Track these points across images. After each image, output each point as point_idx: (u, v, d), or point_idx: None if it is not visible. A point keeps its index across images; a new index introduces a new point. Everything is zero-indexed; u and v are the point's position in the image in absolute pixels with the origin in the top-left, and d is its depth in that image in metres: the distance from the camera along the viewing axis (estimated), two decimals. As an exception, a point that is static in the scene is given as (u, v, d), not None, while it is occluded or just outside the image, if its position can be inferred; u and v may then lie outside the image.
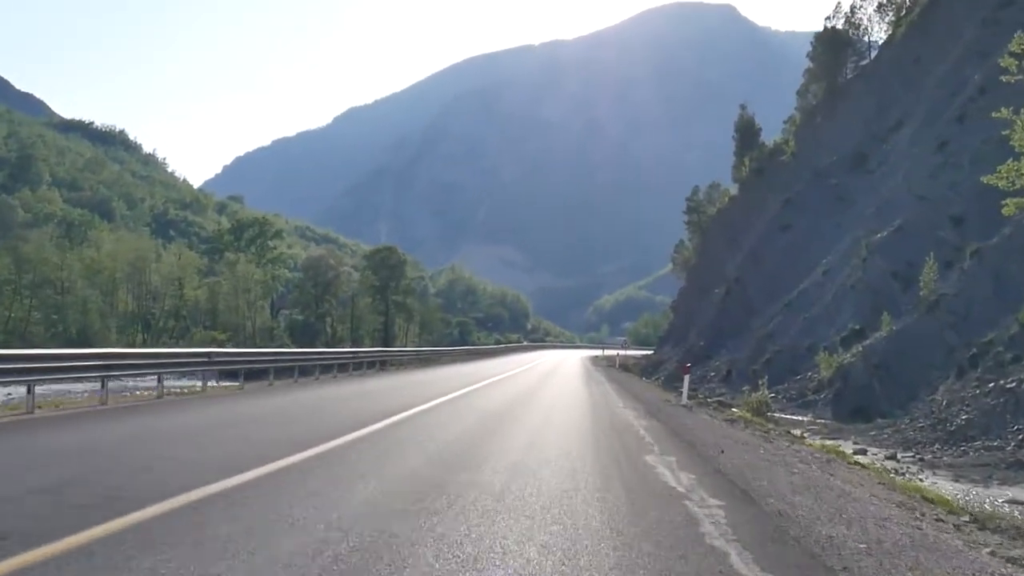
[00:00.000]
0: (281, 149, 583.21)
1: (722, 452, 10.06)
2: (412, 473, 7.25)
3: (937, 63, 40.86)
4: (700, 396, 28.11)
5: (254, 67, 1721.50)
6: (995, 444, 17.66)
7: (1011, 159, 21.18)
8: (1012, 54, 21.87)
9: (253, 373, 20.32)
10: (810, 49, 62.61)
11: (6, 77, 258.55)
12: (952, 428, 19.05)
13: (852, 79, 55.88)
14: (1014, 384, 18.89)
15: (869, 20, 58.31)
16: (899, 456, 17.78)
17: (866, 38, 58.82)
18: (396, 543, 4.73)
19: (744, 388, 30.62)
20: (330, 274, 77.24)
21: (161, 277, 69.92)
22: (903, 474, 15.36)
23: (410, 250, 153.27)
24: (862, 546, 5.37)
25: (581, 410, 16.19)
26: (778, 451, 11.20)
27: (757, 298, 44.19)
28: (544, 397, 20.26)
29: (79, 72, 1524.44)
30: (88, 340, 53.85)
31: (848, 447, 18.28)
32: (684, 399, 21.28)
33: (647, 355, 71.57)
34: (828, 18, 61.28)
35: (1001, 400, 19.06)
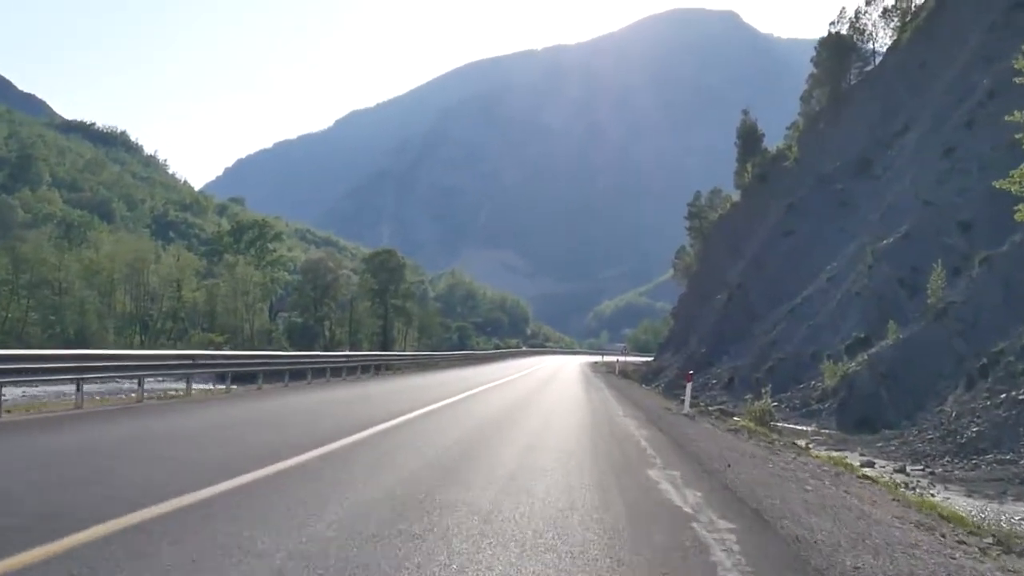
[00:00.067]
0: (282, 152, 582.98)
1: (728, 466, 9.49)
2: (393, 489, 6.61)
3: (943, 68, 40.37)
4: (701, 404, 27.54)
5: (255, 69, 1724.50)
6: (1008, 458, 17.07)
7: (1023, 163, 20.63)
8: (1025, 55, 21.32)
9: (243, 376, 19.77)
10: (813, 55, 62.18)
11: (8, 77, 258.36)
12: (962, 440, 18.46)
13: (856, 84, 55.43)
14: (1028, 395, 18.34)
15: (874, 25, 57.98)
16: (908, 469, 17.20)
17: (871, 44, 58.44)
18: (364, 576, 4.15)
19: (747, 396, 30.04)
20: (329, 277, 76.73)
21: (159, 278, 69.63)
22: (914, 488, 14.79)
23: (411, 254, 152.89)
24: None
25: (580, 418, 15.61)
26: (786, 465, 10.61)
27: (760, 304, 43.60)
28: (542, 403, 19.70)
29: (80, 73, 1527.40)
30: (85, 341, 53.59)
31: (855, 459, 17.71)
32: (686, 408, 20.68)
33: (647, 362, 70.99)
34: (833, 23, 60.86)
35: (1013, 412, 18.47)
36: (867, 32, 58.39)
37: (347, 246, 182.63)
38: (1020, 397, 18.68)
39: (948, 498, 14.04)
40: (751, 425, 19.89)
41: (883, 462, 18.32)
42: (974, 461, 17.31)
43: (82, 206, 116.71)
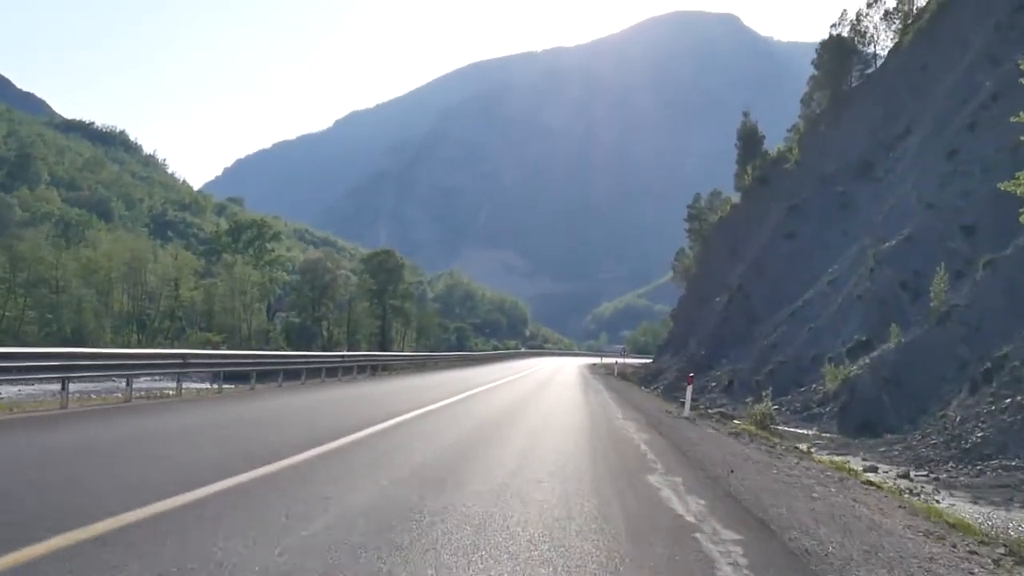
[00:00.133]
0: (282, 152, 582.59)
1: (731, 472, 9.18)
2: (381, 495, 6.30)
3: (946, 70, 40.13)
4: (701, 407, 27.26)
5: (255, 69, 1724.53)
6: (1013, 464, 16.79)
7: (1029, 165, 20.37)
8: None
9: (238, 376, 19.46)
10: (814, 58, 61.96)
11: (7, 76, 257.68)
12: (967, 446, 18.18)
13: (857, 87, 55.20)
14: (1034, 400, 18.06)
15: (875, 28, 57.74)
16: (912, 475, 16.93)
17: (872, 47, 58.22)
18: (346, 592, 3.84)
19: (747, 399, 29.76)
20: (327, 277, 76.44)
21: (157, 278, 69.46)
22: (918, 494, 14.53)
23: (410, 254, 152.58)
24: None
25: (578, 421, 15.30)
26: (790, 471, 10.32)
27: (760, 307, 43.33)
28: (540, 405, 19.39)
29: (80, 72, 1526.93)
30: (82, 340, 53.52)
31: (857, 464, 17.44)
32: (686, 411, 20.38)
33: (646, 364, 70.74)
34: (834, 25, 60.70)
35: (1018, 417, 18.19)
36: (868, 34, 58.24)
37: (346, 246, 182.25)
38: (1025, 402, 18.42)
39: (954, 504, 13.77)
40: (752, 429, 19.61)
41: (886, 467, 18.05)
42: (979, 467, 17.03)
43: (80, 205, 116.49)
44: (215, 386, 16.95)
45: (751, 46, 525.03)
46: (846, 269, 35.83)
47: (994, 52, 35.98)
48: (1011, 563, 7.31)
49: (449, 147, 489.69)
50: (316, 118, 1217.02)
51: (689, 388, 22.18)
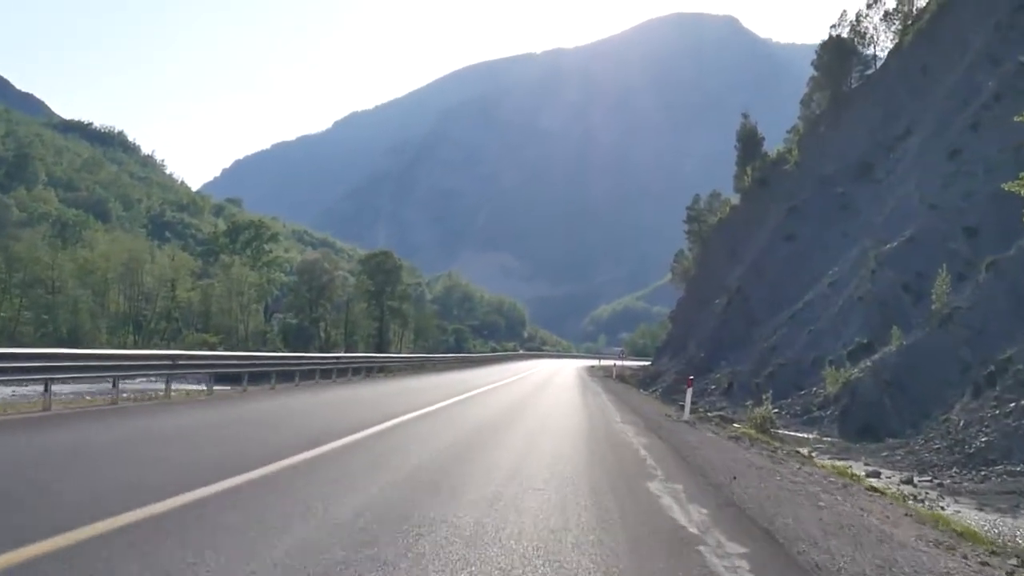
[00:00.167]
0: (281, 153, 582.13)
1: (734, 478, 8.88)
2: (368, 504, 5.97)
3: (946, 71, 39.90)
4: (700, 410, 26.94)
5: (254, 70, 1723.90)
6: (1018, 469, 16.50)
7: (1034, 165, 20.10)
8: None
9: (231, 378, 19.13)
10: (813, 59, 61.77)
11: (7, 77, 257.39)
12: (971, 451, 17.89)
13: (857, 88, 55.00)
14: (1039, 404, 17.78)
15: (875, 28, 57.53)
16: (916, 480, 16.64)
17: (872, 48, 58.02)
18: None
19: (747, 402, 29.48)
20: (325, 278, 76.10)
21: (154, 278, 69.15)
22: (922, 501, 14.25)
23: (409, 256, 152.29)
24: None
25: (576, 424, 14.99)
26: (794, 477, 10.01)
27: (760, 309, 43.05)
28: (538, 408, 19.08)
29: (79, 72, 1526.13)
30: (78, 340, 53.19)
31: (859, 469, 17.16)
32: (686, 414, 20.05)
33: (644, 366, 70.48)
34: (834, 26, 60.45)
35: (1023, 422, 17.93)
36: (868, 35, 58.04)
37: (344, 248, 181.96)
38: (1030, 406, 18.14)
39: (959, 511, 13.49)
40: (752, 432, 19.31)
41: (889, 472, 17.76)
42: (983, 472, 16.74)
43: (78, 205, 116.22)
44: (205, 388, 16.62)
45: (750, 48, 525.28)
46: (847, 271, 35.57)
47: (994, 52, 35.77)
48: (1025, 575, 7.04)
49: (448, 149, 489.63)
50: (315, 119, 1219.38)
51: (689, 391, 21.85)
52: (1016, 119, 20.65)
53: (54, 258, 62.06)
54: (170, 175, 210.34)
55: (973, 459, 17.49)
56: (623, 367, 60.63)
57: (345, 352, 58.42)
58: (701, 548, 5.36)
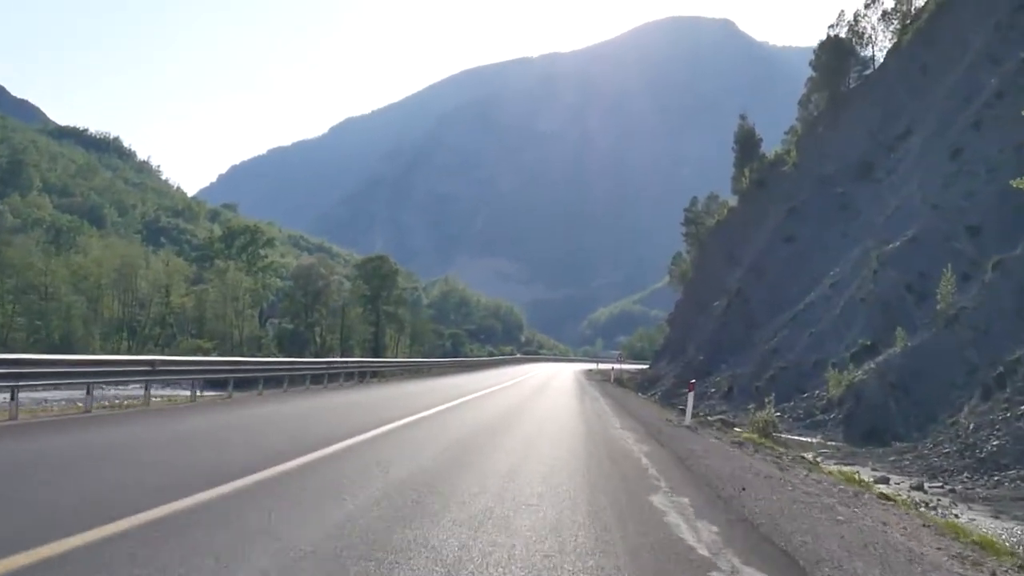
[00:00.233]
0: (277, 158, 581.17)
1: (743, 490, 8.31)
2: (342, 525, 5.37)
3: (946, 70, 39.46)
4: (701, 414, 26.40)
5: (250, 76, 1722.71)
6: (1032, 473, 15.96)
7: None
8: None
9: (219, 384, 18.54)
10: (811, 59, 61.33)
11: (1, 84, 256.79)
12: (982, 455, 17.33)
13: (856, 88, 54.57)
14: (1053, 407, 17.25)
15: (873, 28, 57.11)
16: (926, 486, 16.08)
17: (870, 48, 57.62)
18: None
19: (748, 406, 28.91)
20: (320, 283, 75.46)
21: (148, 284, 68.72)
22: (935, 508, 13.70)
23: (406, 260, 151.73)
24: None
25: (573, 431, 14.41)
26: (806, 487, 9.44)
27: (760, 311, 42.50)
28: (534, 413, 18.51)
29: (74, 77, 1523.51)
30: (71, 347, 52.69)
31: (867, 474, 16.60)
32: (687, 419, 19.48)
33: (642, 370, 69.93)
34: (831, 26, 59.94)
35: (1036, 424, 17.38)
36: (866, 35, 57.59)
37: (340, 252, 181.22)
38: (1042, 408, 17.61)
39: (974, 519, 12.95)
40: (755, 437, 18.77)
41: (898, 478, 17.20)
42: (996, 478, 16.19)
43: (73, 212, 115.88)
44: (189, 394, 16.00)
45: (746, 51, 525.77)
46: (848, 271, 35.06)
47: (994, 52, 35.34)
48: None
49: (445, 153, 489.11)
50: (312, 124, 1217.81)
51: (691, 395, 21.28)
52: (1023, 113, 20.18)
53: (47, 264, 61.76)
54: (166, 181, 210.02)
55: (984, 464, 16.95)
56: (621, 371, 60.04)
57: (341, 357, 57.79)
58: (713, 574, 4.79)
